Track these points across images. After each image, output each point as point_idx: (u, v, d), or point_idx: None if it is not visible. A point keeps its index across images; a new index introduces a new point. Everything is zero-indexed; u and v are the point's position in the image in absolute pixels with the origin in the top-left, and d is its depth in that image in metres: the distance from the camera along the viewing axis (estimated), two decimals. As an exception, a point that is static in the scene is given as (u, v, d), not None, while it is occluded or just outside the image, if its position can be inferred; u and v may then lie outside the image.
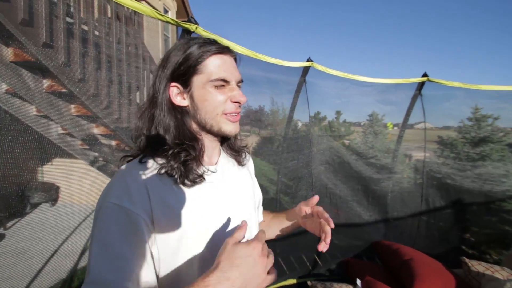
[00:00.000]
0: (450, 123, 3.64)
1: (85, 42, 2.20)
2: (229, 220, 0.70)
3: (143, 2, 3.76)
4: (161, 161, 0.63)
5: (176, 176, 0.62)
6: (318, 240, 0.73)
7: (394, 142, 3.00)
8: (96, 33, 2.37)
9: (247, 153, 0.85)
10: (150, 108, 0.67)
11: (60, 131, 2.88)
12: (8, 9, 1.67)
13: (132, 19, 3.00)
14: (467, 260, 1.97)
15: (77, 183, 2.26)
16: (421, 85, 2.72)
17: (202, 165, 0.68)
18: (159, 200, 0.59)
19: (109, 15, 2.46)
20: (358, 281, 2.11)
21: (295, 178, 2.70)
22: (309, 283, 2.18)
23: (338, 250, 2.56)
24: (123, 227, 0.54)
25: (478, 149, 3.35)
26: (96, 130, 2.77)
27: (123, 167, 0.65)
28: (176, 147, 0.63)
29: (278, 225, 0.93)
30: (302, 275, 2.33)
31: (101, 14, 2.37)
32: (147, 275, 0.55)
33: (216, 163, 0.74)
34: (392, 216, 2.76)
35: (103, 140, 2.79)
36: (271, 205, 2.55)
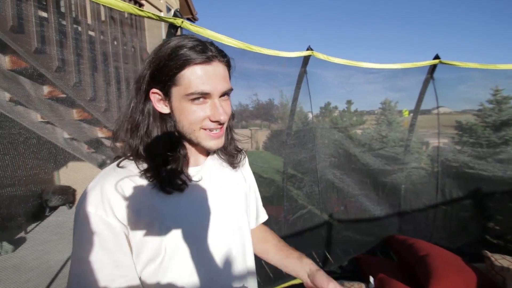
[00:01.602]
0: (467, 107, 3.40)
1: (78, 44, 2.18)
2: (213, 222, 0.67)
3: (143, 2, 3.74)
4: (141, 166, 0.61)
5: (156, 183, 0.60)
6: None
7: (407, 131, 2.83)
8: (91, 33, 2.35)
9: (242, 156, 0.79)
10: (131, 109, 0.63)
11: (66, 136, 2.91)
12: None
13: (131, 20, 2.97)
14: (489, 254, 1.82)
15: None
16: (432, 68, 2.54)
17: (185, 170, 0.64)
18: (135, 206, 0.57)
19: (103, 18, 2.43)
20: (371, 279, 1.99)
21: (303, 172, 2.61)
22: (318, 282, 2.10)
23: (349, 246, 2.46)
24: (99, 235, 0.54)
25: (500, 133, 3.12)
26: (100, 133, 2.78)
27: (102, 172, 0.62)
28: (157, 157, 0.61)
29: (281, 260, 0.89)
30: (312, 273, 2.25)
31: (94, 16, 2.34)
32: (127, 280, 0.55)
33: (203, 163, 0.71)
34: (406, 209, 2.61)
35: (108, 143, 2.79)
36: (281, 200, 2.47)
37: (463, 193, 2.66)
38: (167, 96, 0.60)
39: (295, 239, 2.39)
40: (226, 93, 0.62)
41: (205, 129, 0.62)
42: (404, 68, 2.51)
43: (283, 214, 2.46)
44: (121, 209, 0.56)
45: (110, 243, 0.54)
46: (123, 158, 0.63)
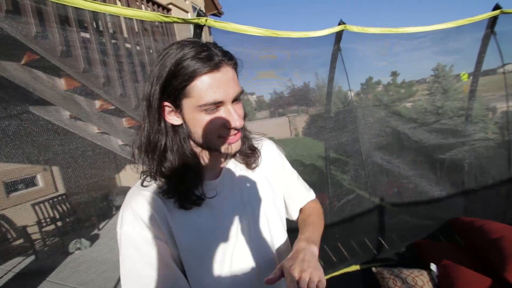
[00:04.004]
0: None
1: (118, 58, 2.35)
2: (234, 234, 0.68)
3: (170, 5, 3.85)
4: (161, 183, 0.63)
5: (174, 201, 0.62)
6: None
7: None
8: (127, 45, 2.51)
9: (257, 155, 0.75)
10: (147, 130, 0.62)
11: (120, 143, 3.21)
12: (48, 45, 1.86)
13: (162, 28, 3.11)
14: None
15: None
16: (492, 21, 2.15)
17: (203, 184, 0.65)
18: (164, 220, 0.61)
19: (136, 29, 2.57)
20: (433, 266, 1.85)
21: (347, 156, 2.48)
22: (374, 269, 2.00)
23: (406, 231, 2.28)
24: (141, 250, 0.58)
25: None
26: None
27: (129, 193, 0.65)
28: (173, 172, 0.62)
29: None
30: (366, 260, 2.15)
31: (128, 30, 2.49)
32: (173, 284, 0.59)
33: (220, 173, 0.71)
34: (471, 186, 2.30)
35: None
36: (325, 186, 2.39)
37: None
38: (178, 108, 0.59)
39: (343, 226, 2.30)
40: (237, 97, 0.60)
41: (222, 137, 0.61)
42: (457, 26, 2.17)
43: (328, 201, 2.38)
44: (153, 223, 0.60)
45: (152, 254, 0.58)
46: (145, 176, 0.65)
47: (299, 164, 2.57)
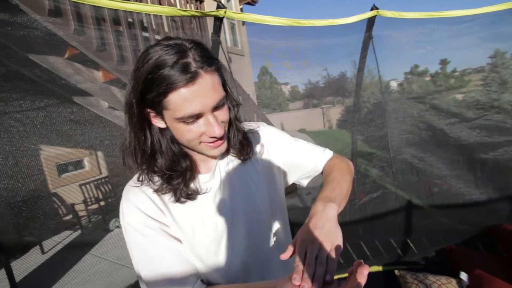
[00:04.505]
0: None
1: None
2: (229, 222, 0.70)
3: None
4: (154, 180, 0.65)
5: (170, 195, 0.65)
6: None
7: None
8: (158, 37, 2.61)
9: (251, 147, 0.75)
10: (130, 135, 0.62)
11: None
12: (84, 41, 2.00)
13: (196, 22, 3.17)
14: None
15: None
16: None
17: (195, 178, 0.67)
18: (160, 211, 0.65)
19: (166, 29, 2.65)
20: (464, 275, 1.69)
21: (374, 152, 2.34)
22: (396, 272, 1.90)
23: (438, 235, 2.11)
24: (147, 235, 0.62)
25: None
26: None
27: (125, 189, 0.68)
28: (165, 171, 0.63)
29: None
30: (389, 262, 2.04)
31: (158, 25, 2.58)
32: (187, 262, 0.65)
33: (213, 167, 0.71)
34: (519, 191, 2.03)
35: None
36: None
37: None
38: (160, 114, 0.58)
39: (367, 224, 2.20)
40: (219, 104, 0.58)
41: (205, 142, 0.61)
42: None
43: (353, 196, 2.29)
44: (151, 211, 0.63)
45: (159, 237, 0.63)
46: (139, 173, 0.66)
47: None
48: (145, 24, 2.63)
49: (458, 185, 2.00)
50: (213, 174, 0.70)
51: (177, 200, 0.64)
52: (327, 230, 0.53)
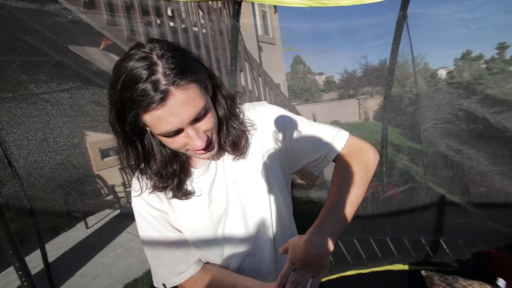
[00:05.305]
0: None
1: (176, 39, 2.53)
2: (227, 211, 0.72)
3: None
4: (152, 179, 0.67)
5: (166, 193, 0.69)
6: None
7: None
8: (183, 26, 2.66)
9: (246, 144, 0.71)
10: (120, 144, 0.62)
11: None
12: (93, 14, 2.07)
13: (226, 8, 3.17)
14: None
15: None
16: None
17: (189, 177, 0.70)
18: (162, 206, 0.71)
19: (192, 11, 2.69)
20: (502, 282, 1.52)
21: (405, 143, 2.17)
22: (423, 272, 1.76)
23: (477, 236, 1.90)
24: (150, 222, 0.71)
25: None
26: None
27: (133, 183, 0.72)
28: (159, 172, 0.65)
29: None
30: (416, 261, 1.89)
31: (187, 13, 2.63)
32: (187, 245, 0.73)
33: (208, 163, 0.72)
34: None
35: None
36: (379, 175, 2.14)
37: None
38: (144, 126, 0.58)
39: (395, 219, 2.06)
40: (199, 115, 0.55)
41: (192, 150, 0.61)
42: None
43: (381, 189, 2.15)
44: (156, 203, 0.70)
45: (162, 224, 0.71)
46: (138, 173, 0.67)
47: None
48: (170, 13, 2.68)
49: (502, 182, 1.75)
50: (208, 167, 0.71)
51: (175, 197, 0.69)
52: (318, 255, 0.57)
